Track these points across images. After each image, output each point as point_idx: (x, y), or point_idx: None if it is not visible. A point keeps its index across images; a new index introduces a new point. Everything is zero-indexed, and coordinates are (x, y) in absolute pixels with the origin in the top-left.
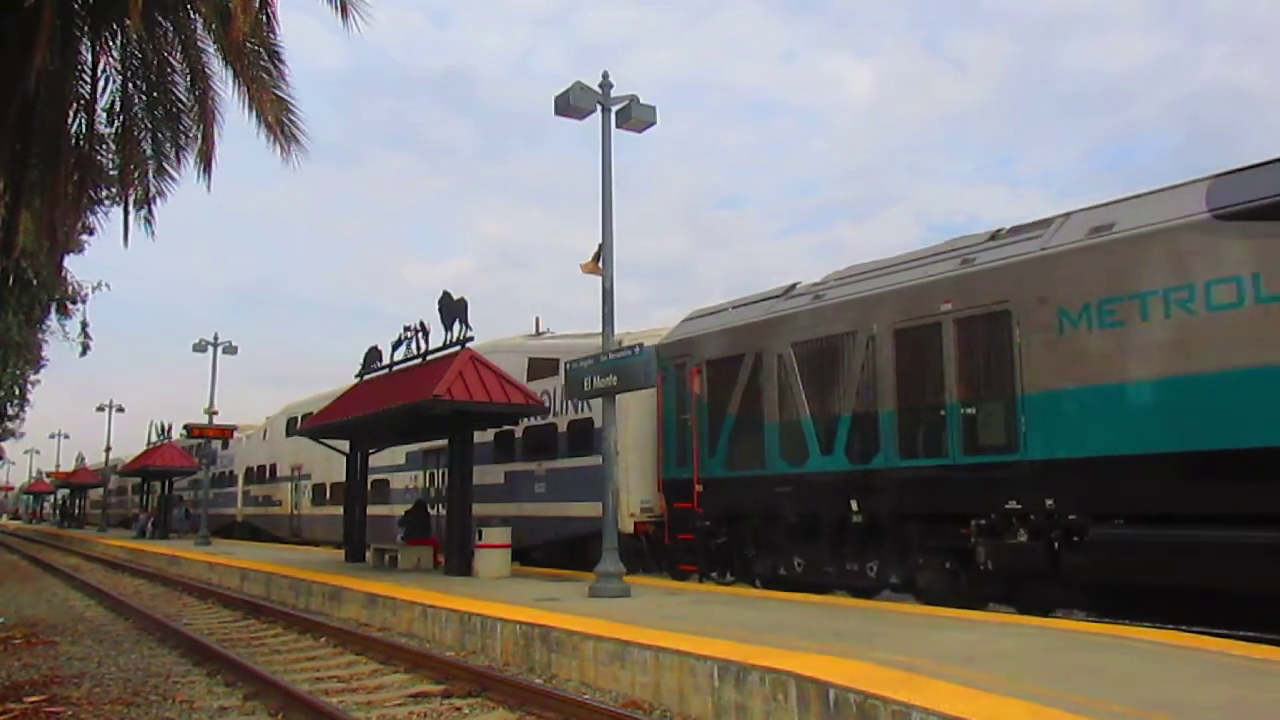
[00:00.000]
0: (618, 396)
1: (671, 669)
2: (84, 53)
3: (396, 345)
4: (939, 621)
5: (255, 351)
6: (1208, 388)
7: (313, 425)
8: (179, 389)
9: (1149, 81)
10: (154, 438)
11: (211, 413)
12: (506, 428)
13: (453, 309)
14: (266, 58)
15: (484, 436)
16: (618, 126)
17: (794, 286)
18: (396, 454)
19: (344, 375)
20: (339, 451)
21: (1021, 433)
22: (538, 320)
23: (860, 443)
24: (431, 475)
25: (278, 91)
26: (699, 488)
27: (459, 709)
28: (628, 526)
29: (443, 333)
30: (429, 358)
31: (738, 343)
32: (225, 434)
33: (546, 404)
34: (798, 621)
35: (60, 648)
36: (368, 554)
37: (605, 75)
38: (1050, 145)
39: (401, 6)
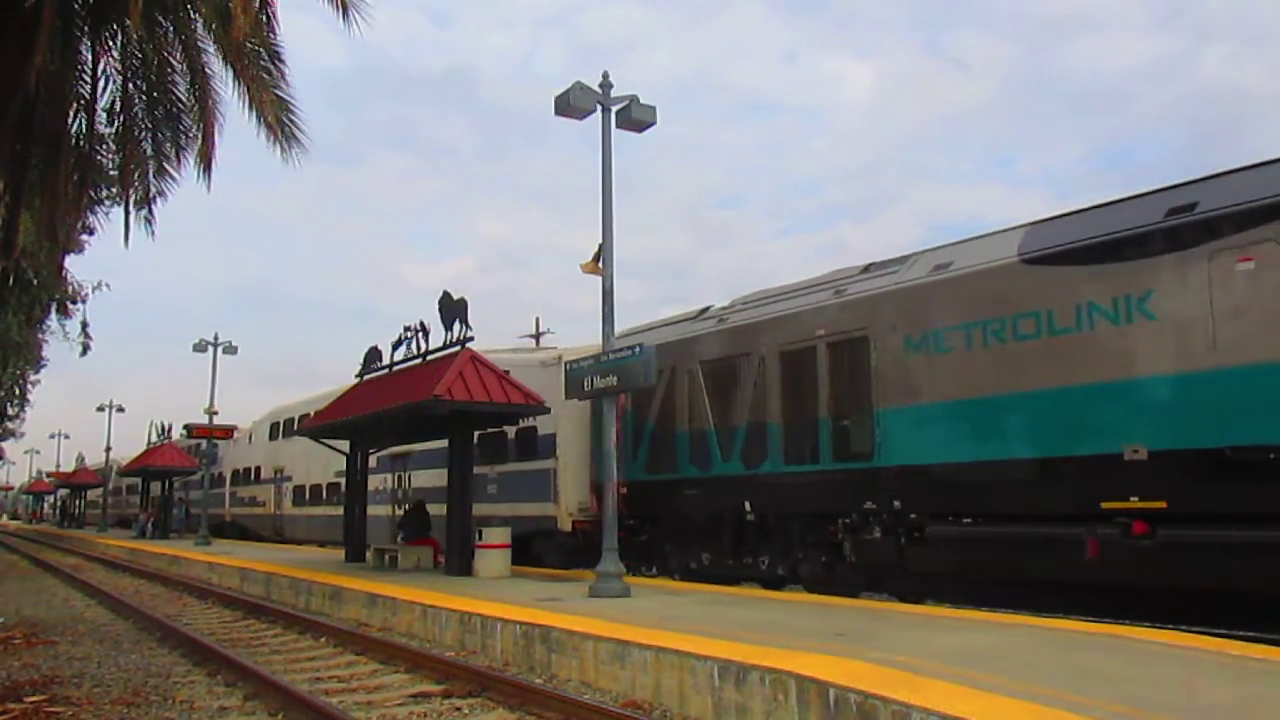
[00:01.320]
0: (557, 410)
1: (672, 669)
2: (84, 53)
3: (396, 345)
4: (940, 621)
5: (256, 351)
6: (1017, 406)
7: (313, 425)
8: (179, 389)
9: (1151, 81)
10: (154, 438)
11: (211, 412)
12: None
13: (453, 309)
14: (266, 58)
15: (438, 441)
16: (618, 126)
17: (707, 309)
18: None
19: (344, 375)
20: (339, 451)
21: (876, 443)
22: (538, 320)
23: (752, 450)
24: (399, 478)
25: (278, 91)
26: (624, 490)
27: (459, 709)
28: (566, 525)
29: (443, 333)
30: (429, 358)
31: (657, 359)
32: (225, 434)
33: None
34: (798, 621)
35: (60, 648)
36: (368, 554)
37: (605, 75)
38: (1052, 145)
39: (403, 6)
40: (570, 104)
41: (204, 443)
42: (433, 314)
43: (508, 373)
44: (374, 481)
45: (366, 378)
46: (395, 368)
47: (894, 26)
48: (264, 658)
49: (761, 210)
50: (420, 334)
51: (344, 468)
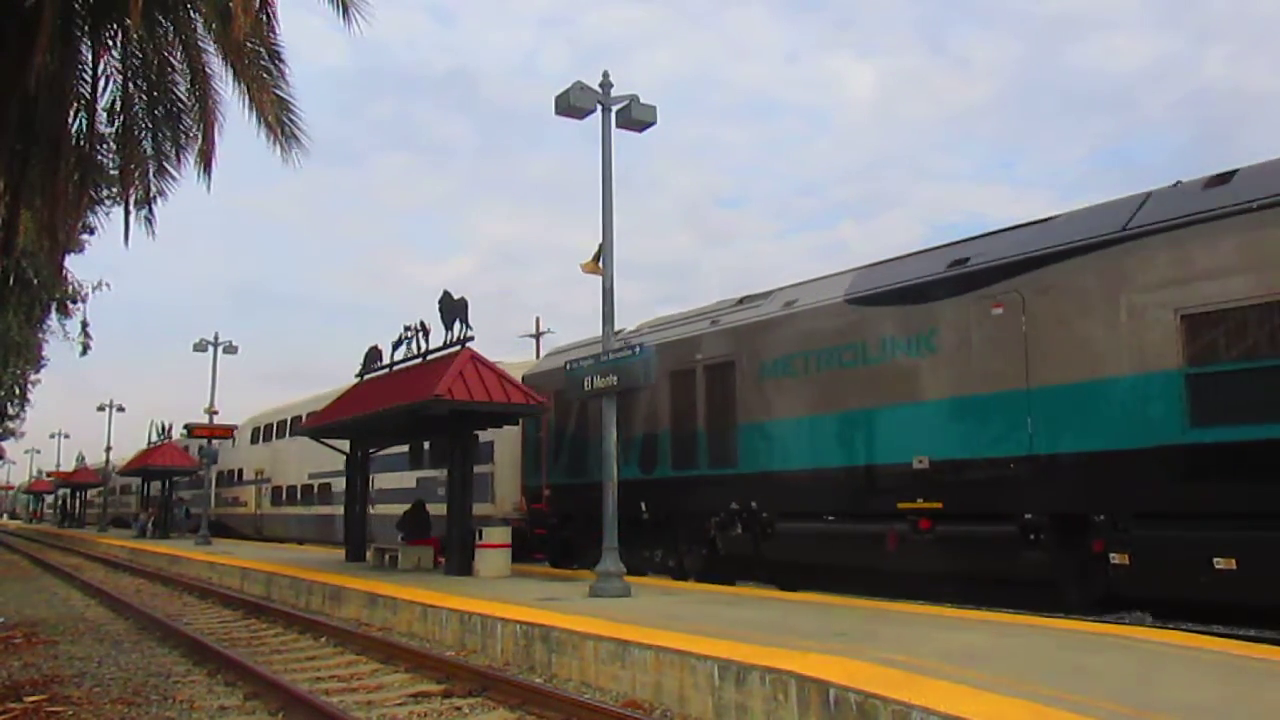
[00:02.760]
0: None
1: (672, 668)
2: (84, 52)
3: (397, 345)
4: (940, 621)
5: (258, 351)
6: (840, 423)
7: (313, 425)
8: (180, 388)
9: (1153, 81)
10: (154, 437)
11: (212, 412)
12: (413, 443)
13: (453, 309)
14: (267, 57)
15: (402, 447)
16: (618, 126)
17: (619, 333)
18: (337, 461)
19: (345, 374)
20: (339, 451)
21: (739, 452)
22: (538, 320)
23: (648, 458)
24: (368, 480)
25: (278, 91)
26: (547, 492)
27: (459, 709)
28: None
29: (443, 332)
30: (429, 357)
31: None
32: (225, 434)
33: None
34: (798, 621)
35: (60, 647)
36: (368, 554)
37: (605, 75)
38: (1054, 145)
39: (407, 7)
40: (570, 104)
41: (204, 443)
42: (434, 313)
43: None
44: (340, 484)
45: (367, 377)
46: (395, 367)
47: (896, 26)
48: (264, 657)
49: (763, 210)
50: (420, 334)
51: (318, 470)
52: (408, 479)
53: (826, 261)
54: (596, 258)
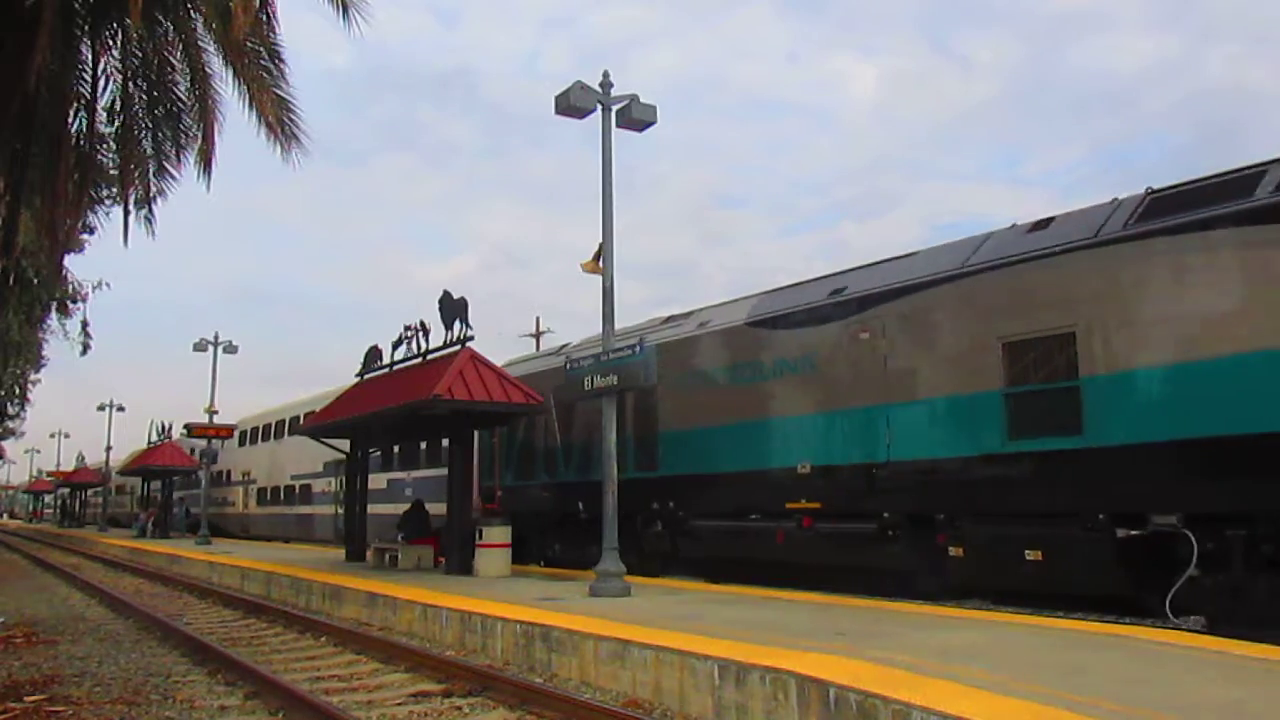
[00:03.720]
0: None
1: (672, 668)
2: (84, 52)
3: (397, 344)
4: (941, 621)
5: (259, 350)
6: (741, 432)
7: (313, 424)
8: (180, 388)
9: (1155, 81)
10: (154, 437)
11: (212, 411)
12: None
13: (453, 308)
14: (267, 57)
15: (375, 453)
16: (618, 126)
17: (564, 346)
18: (315, 464)
19: (346, 374)
20: (339, 450)
21: (659, 457)
22: (538, 320)
23: (584, 462)
24: (341, 481)
25: (278, 91)
26: (499, 493)
27: (459, 708)
28: None
29: (443, 332)
30: (429, 357)
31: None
32: (225, 433)
33: None
34: (799, 621)
35: (61, 647)
36: (368, 553)
37: (605, 74)
38: (1055, 145)
39: (409, 7)
40: (571, 103)
41: (203, 443)
42: (434, 313)
43: None
44: (318, 485)
45: (367, 377)
46: (395, 367)
47: (898, 26)
48: (264, 657)
49: (764, 209)
50: (420, 333)
51: (299, 472)
52: (379, 480)
53: (827, 261)
54: (596, 257)
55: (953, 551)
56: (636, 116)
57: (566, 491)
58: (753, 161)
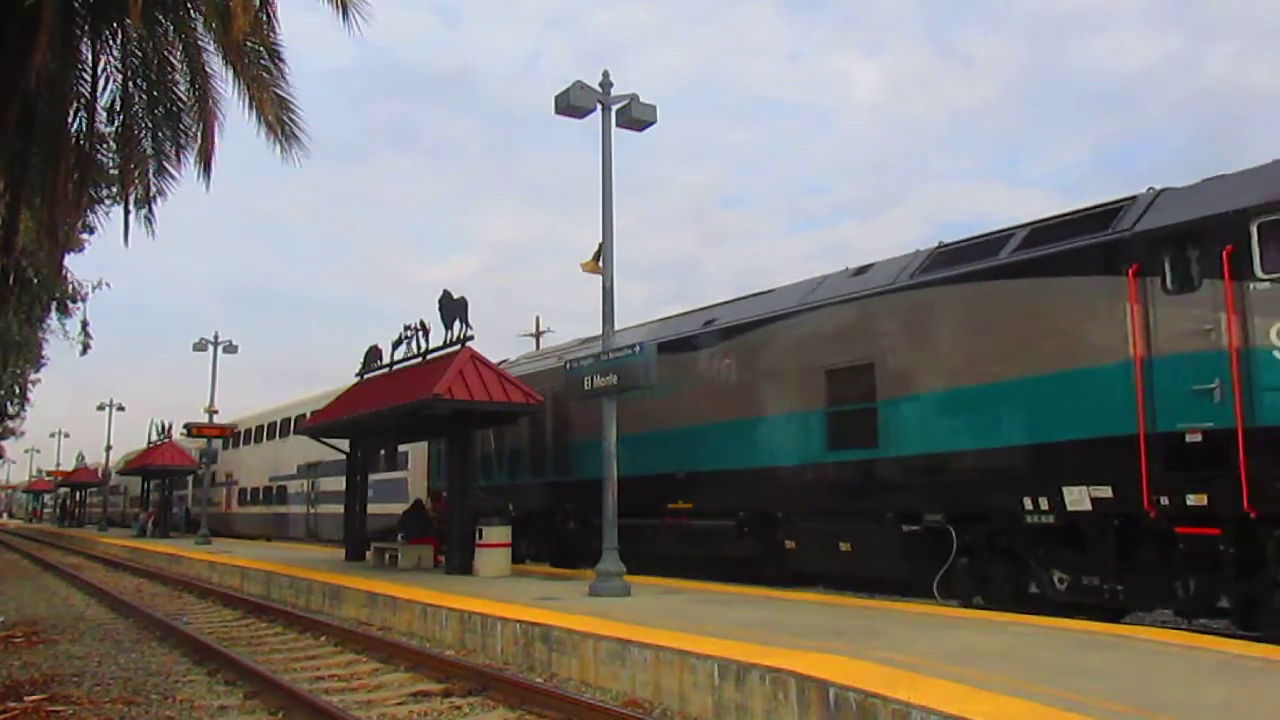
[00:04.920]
0: None
1: (672, 668)
2: (84, 52)
3: (397, 344)
4: (941, 621)
5: (262, 350)
6: (643, 441)
7: (313, 424)
8: (181, 387)
9: (1157, 81)
10: (154, 437)
11: (212, 411)
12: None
13: (453, 308)
14: (266, 56)
15: (338, 454)
16: (618, 125)
17: (501, 363)
18: (290, 466)
19: (346, 373)
20: (339, 450)
21: (572, 464)
22: (538, 320)
23: (515, 466)
24: (312, 484)
25: (278, 90)
26: (445, 494)
27: (459, 708)
28: None
29: (443, 331)
30: (429, 357)
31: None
32: (225, 433)
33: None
34: (799, 620)
35: (61, 646)
36: (368, 553)
37: (605, 74)
38: (1056, 144)
39: (411, 8)
40: (570, 103)
41: (203, 442)
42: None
43: None
44: (293, 486)
45: (367, 377)
46: (395, 367)
47: (901, 25)
48: (264, 656)
49: (766, 209)
50: (420, 333)
51: (277, 474)
52: (344, 482)
53: (828, 260)
54: (596, 257)
55: (788, 544)
56: (636, 116)
57: (498, 494)
58: (756, 160)
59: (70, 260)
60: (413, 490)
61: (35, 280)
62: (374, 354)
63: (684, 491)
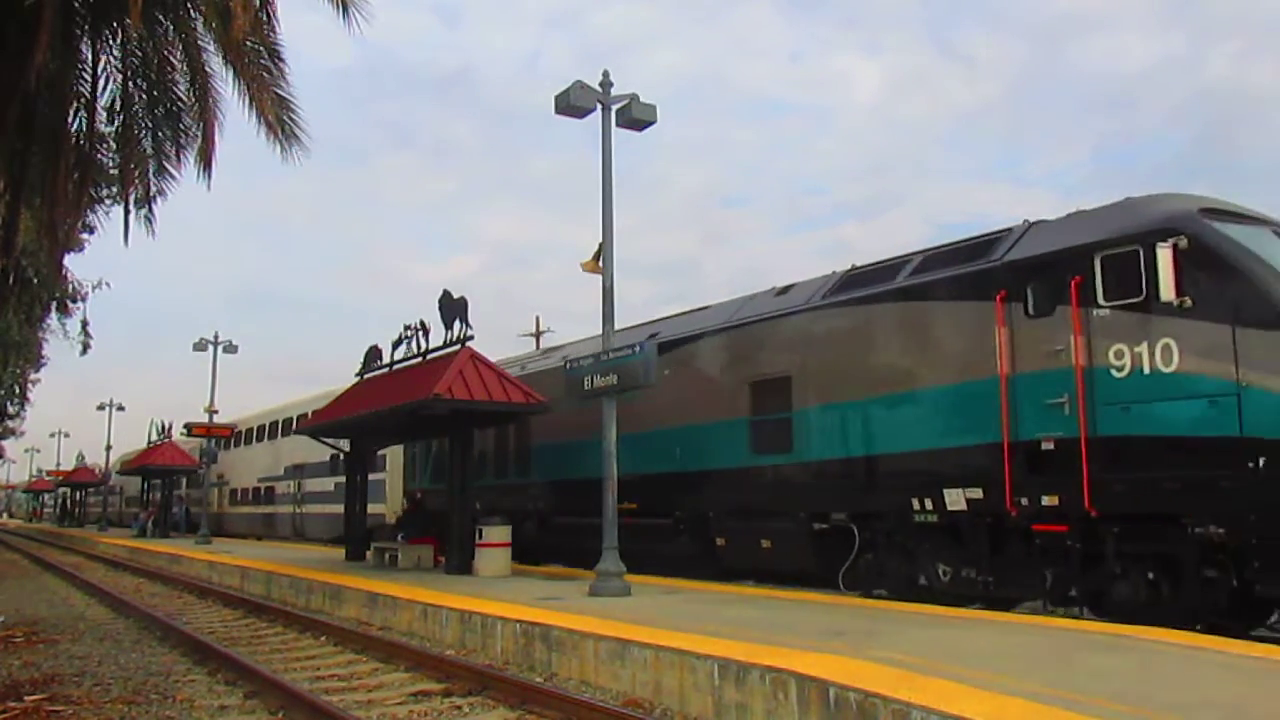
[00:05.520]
0: None
1: (672, 668)
2: (84, 52)
3: (397, 344)
4: (941, 620)
5: (263, 349)
6: (576, 449)
7: (313, 424)
8: (182, 387)
9: (1157, 81)
10: (154, 436)
11: (212, 411)
12: (332, 453)
13: (453, 308)
14: (266, 56)
15: (322, 456)
16: (618, 125)
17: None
18: (276, 468)
19: (346, 373)
20: (339, 450)
21: (533, 466)
22: (538, 320)
23: (479, 469)
24: (299, 484)
25: (278, 90)
26: (418, 494)
27: (459, 707)
28: (391, 519)
29: (443, 331)
30: (429, 357)
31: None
32: (225, 433)
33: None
34: (799, 620)
35: (61, 646)
36: (368, 553)
37: (605, 74)
38: (1057, 145)
39: (411, 8)
40: (570, 103)
41: (204, 442)
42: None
43: None
44: (280, 487)
45: (367, 376)
46: (395, 366)
47: (903, 25)
48: (264, 656)
49: (766, 209)
50: (420, 333)
51: (264, 475)
52: (327, 483)
53: (828, 260)
54: (596, 257)
55: (719, 542)
56: (636, 116)
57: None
58: (757, 160)
59: (70, 260)
60: (390, 491)
61: (35, 280)
62: (374, 354)
63: (630, 492)
